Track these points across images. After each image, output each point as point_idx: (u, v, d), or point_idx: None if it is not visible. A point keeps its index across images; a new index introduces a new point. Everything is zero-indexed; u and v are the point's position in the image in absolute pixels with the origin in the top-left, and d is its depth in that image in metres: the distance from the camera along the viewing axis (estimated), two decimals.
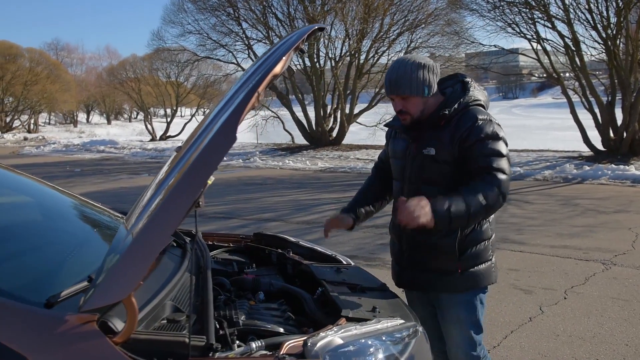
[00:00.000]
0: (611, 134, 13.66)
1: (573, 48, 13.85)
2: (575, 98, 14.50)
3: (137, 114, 50.78)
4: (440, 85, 2.38)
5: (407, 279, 2.49)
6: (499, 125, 2.32)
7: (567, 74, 16.38)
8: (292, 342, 1.70)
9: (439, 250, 2.34)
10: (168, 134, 31.11)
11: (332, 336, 1.77)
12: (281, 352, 1.65)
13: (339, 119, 20.31)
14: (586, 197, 9.28)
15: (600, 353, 3.64)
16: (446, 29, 18.45)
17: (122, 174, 14.91)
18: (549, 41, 14.86)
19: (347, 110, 20.19)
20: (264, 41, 21.06)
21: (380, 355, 1.77)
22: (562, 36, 14.03)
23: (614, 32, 13.27)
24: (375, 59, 20.56)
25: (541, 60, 15.27)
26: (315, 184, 12.13)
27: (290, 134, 22.68)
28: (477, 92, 2.38)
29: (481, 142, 2.25)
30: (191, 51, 23.72)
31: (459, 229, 2.30)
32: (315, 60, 19.92)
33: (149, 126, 32.56)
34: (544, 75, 15.96)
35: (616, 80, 13.47)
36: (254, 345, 1.71)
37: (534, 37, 14.83)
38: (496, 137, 2.27)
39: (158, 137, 30.76)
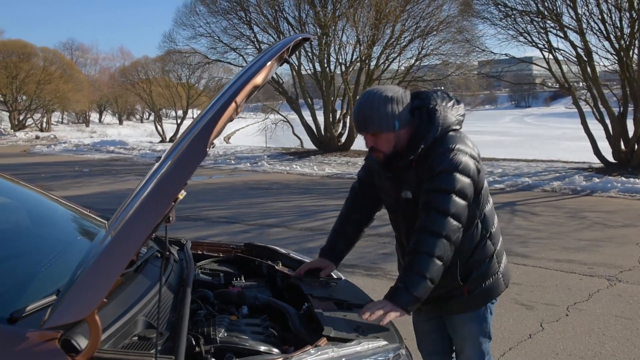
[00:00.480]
0: (622, 146, 13.46)
1: (585, 58, 13.69)
2: (586, 108, 14.32)
3: (149, 115, 51.04)
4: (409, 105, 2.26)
5: None
6: (466, 151, 2.18)
7: (581, 84, 16.17)
8: None
9: (442, 276, 2.23)
10: (177, 136, 31.18)
11: (310, 358, 1.71)
12: None
13: (348, 125, 20.23)
14: (594, 209, 9.12)
15: None
16: (457, 37, 18.36)
17: (129, 175, 14.90)
18: (561, 51, 14.70)
19: None
20: None
21: None
22: (574, 46, 13.87)
23: (627, 43, 13.11)
24: (386, 65, 20.48)
25: (553, 70, 15.12)
26: (321, 189, 12.06)
27: (299, 138, 22.64)
28: (446, 114, 2.26)
29: (435, 177, 2.15)
30: (202, 54, 23.80)
31: (458, 255, 2.24)
32: (326, 65, 19.88)
33: (159, 127, 32.70)
34: (556, 85, 15.80)
35: (628, 92, 13.29)
36: None
37: (546, 46, 14.69)
38: (451, 170, 2.13)
39: (168, 139, 30.87)
